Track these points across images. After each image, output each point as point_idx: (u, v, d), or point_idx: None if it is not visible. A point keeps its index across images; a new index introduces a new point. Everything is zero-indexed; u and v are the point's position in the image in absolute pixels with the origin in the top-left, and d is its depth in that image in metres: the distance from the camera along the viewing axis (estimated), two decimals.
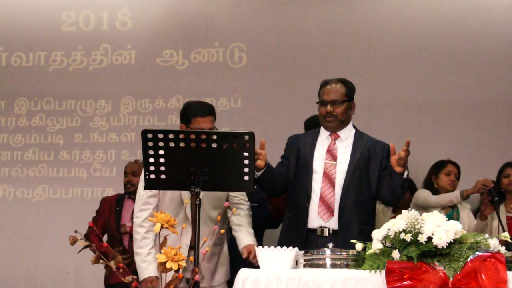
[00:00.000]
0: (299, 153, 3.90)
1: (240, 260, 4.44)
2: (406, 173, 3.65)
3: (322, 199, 3.76)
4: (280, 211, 4.54)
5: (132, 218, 5.02)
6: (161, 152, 3.16)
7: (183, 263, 2.81)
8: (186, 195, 3.75)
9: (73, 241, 2.91)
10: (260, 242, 5.11)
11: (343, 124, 3.89)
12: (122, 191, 5.33)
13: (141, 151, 3.25)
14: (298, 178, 3.86)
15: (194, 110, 3.83)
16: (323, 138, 3.91)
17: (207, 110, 3.85)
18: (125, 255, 4.89)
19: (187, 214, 3.78)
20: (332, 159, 3.83)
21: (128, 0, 6.51)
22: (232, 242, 4.06)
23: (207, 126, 3.78)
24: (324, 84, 3.92)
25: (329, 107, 3.84)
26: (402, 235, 2.74)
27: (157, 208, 3.82)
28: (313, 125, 4.49)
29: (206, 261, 3.76)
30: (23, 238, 6.16)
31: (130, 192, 5.16)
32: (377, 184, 3.82)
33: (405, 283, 2.68)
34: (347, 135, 3.91)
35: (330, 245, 2.94)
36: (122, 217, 5.15)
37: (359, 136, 3.91)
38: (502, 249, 2.79)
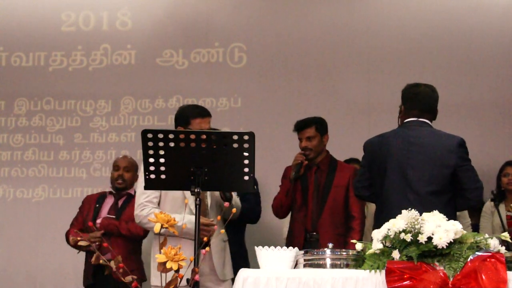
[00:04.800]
0: None
1: (241, 260, 4.48)
2: None
3: None
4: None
5: (108, 214, 4.98)
6: (161, 152, 3.17)
7: (183, 263, 2.81)
8: (188, 195, 3.77)
9: (74, 242, 2.91)
10: (241, 239, 5.09)
11: None
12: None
13: (141, 151, 3.25)
14: None
15: (193, 112, 3.98)
16: None
17: (206, 112, 4.02)
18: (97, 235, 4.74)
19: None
20: None
21: (128, 0, 6.50)
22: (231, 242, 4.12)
23: (206, 127, 3.92)
24: None
25: None
26: (402, 235, 2.74)
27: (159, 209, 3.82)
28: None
29: (217, 255, 3.90)
30: (23, 238, 6.15)
31: (120, 189, 5.06)
32: None
33: (405, 283, 2.68)
34: None
35: (330, 245, 2.94)
36: (100, 213, 5.02)
37: None
38: (502, 249, 2.79)
